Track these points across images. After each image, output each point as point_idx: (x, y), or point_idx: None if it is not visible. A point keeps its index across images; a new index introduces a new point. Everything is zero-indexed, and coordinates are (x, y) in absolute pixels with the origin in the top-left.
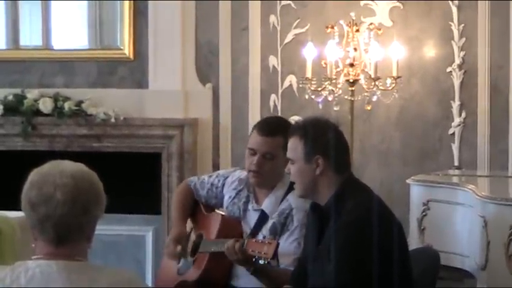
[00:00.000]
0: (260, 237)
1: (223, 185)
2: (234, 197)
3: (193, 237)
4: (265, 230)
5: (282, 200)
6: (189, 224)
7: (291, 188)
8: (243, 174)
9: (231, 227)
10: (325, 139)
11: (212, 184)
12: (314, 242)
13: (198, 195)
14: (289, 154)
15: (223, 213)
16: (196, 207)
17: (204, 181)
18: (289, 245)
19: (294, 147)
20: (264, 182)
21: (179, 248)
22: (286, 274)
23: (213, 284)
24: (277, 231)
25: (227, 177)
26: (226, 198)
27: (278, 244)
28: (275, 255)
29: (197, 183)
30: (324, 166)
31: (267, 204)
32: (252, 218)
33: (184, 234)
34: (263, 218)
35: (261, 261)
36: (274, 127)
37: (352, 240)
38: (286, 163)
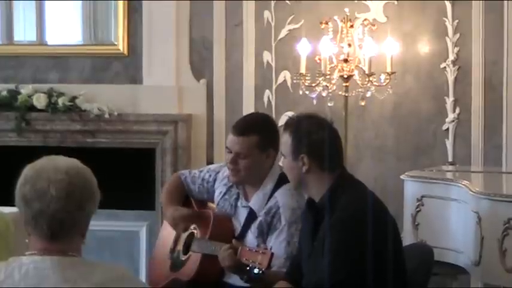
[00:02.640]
0: (249, 234)
1: (214, 179)
2: (225, 193)
3: (184, 235)
4: (254, 228)
5: (269, 197)
6: None
7: (278, 184)
8: None
9: (223, 225)
10: (312, 139)
11: (203, 179)
12: (309, 239)
13: (189, 189)
14: (281, 148)
15: (215, 209)
16: (187, 204)
17: (195, 176)
18: (278, 246)
19: (285, 142)
20: (242, 179)
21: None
22: (279, 276)
23: (206, 282)
24: (264, 230)
25: (218, 172)
26: (217, 193)
27: (272, 254)
28: (269, 265)
29: (188, 177)
30: (309, 165)
31: (254, 201)
32: (242, 215)
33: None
34: (252, 215)
35: (256, 271)
36: (246, 126)
37: (347, 236)
38: (266, 159)
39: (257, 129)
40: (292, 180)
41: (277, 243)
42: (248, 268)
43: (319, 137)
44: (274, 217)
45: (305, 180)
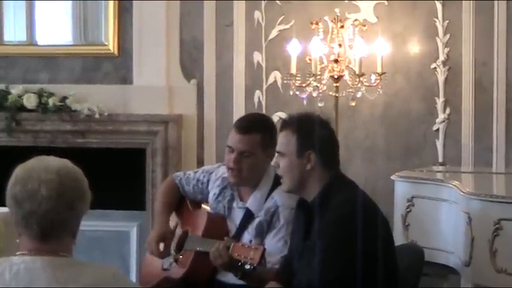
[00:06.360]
0: (246, 235)
1: (208, 180)
2: (219, 195)
3: (178, 233)
4: (251, 228)
5: (267, 198)
6: (173, 219)
7: (275, 185)
8: (226, 171)
9: (217, 225)
10: (318, 135)
11: (198, 180)
12: (301, 238)
13: (183, 190)
14: (280, 148)
15: (209, 209)
16: (182, 203)
17: (189, 176)
18: (275, 244)
19: (286, 141)
20: (243, 180)
21: (162, 246)
22: (272, 273)
23: (198, 279)
24: (264, 230)
25: (212, 173)
26: (211, 194)
27: (265, 250)
28: (261, 260)
29: (183, 178)
30: (315, 162)
31: (252, 202)
32: (237, 216)
33: (168, 232)
34: (248, 216)
35: (247, 266)
36: (251, 125)
37: (338, 236)
38: (266, 159)
39: (261, 128)
40: (292, 180)
41: (274, 242)
42: (240, 264)
43: (324, 134)
44: (273, 216)
45: (305, 178)
